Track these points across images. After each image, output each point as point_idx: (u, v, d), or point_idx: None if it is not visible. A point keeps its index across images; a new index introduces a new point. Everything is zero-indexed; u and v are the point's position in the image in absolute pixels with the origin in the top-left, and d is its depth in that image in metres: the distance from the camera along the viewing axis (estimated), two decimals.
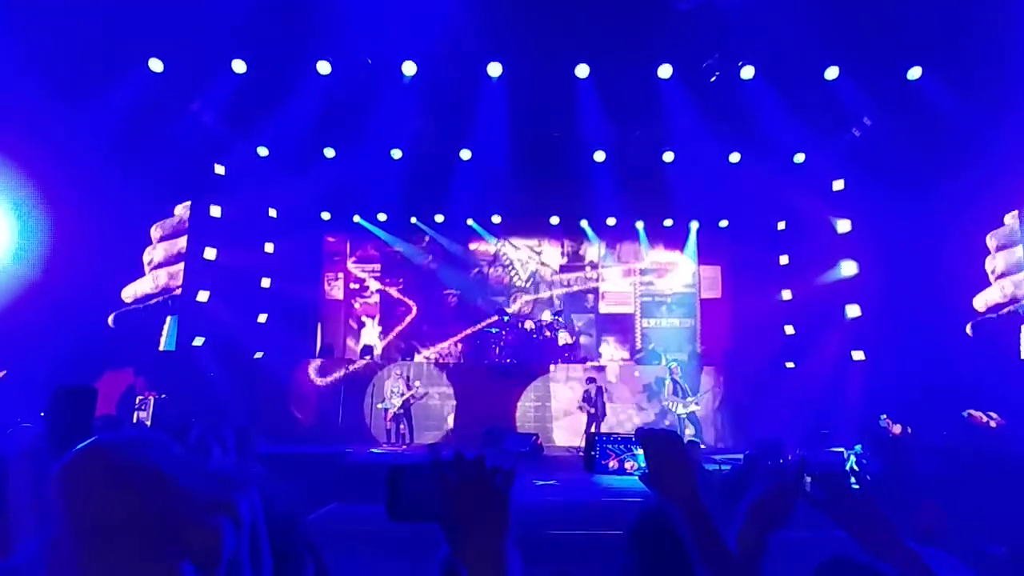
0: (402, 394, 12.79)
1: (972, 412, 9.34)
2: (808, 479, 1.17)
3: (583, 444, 9.21)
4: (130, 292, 12.27)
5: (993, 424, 9.08)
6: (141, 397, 10.68)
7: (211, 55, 10.66)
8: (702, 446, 10.13)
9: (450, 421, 13.24)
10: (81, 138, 10.53)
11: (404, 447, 12.28)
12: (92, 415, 0.97)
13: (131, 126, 10.63)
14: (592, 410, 12.49)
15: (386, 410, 12.86)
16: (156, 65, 10.76)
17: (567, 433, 13.10)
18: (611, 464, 1.19)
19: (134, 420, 10.07)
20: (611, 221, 14.94)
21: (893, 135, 11.38)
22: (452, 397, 13.43)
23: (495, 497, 0.92)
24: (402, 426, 12.77)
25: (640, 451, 1.15)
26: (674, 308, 15.51)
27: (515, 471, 0.94)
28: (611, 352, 15.35)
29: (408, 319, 14.45)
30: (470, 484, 0.92)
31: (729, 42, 10.46)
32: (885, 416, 9.21)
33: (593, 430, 11.83)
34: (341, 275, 15.77)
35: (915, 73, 10.56)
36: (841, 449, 9.42)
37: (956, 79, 10.21)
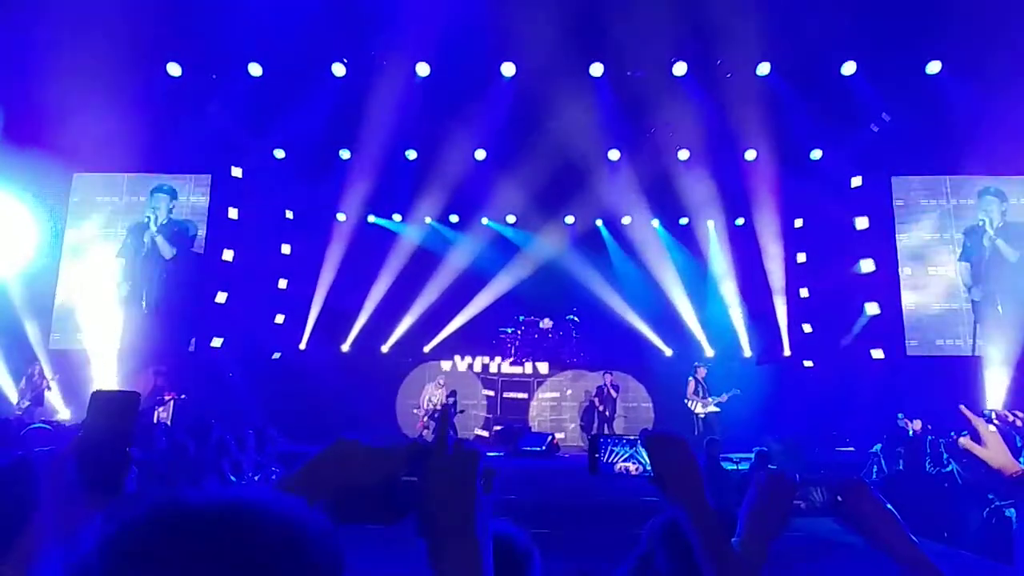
0: (441, 403, 12.25)
1: (996, 410, 9.20)
2: (816, 491, 1.17)
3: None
4: None
5: (1020, 423, 8.93)
6: (161, 397, 10.83)
7: (228, 59, 10.81)
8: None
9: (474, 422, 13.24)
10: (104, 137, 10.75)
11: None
12: (133, 422, 0.97)
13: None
14: (602, 407, 12.46)
15: (427, 411, 12.60)
16: (174, 69, 10.93)
17: (582, 432, 13.11)
18: (616, 467, 1.16)
19: (155, 420, 10.21)
20: (626, 220, 14.89)
21: (912, 130, 11.27)
22: (471, 397, 13.44)
23: (464, 482, 0.84)
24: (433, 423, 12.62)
25: (644, 453, 1.14)
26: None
27: (494, 471, 0.85)
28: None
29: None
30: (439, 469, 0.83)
31: (744, 38, 10.40)
32: (903, 415, 9.10)
33: (606, 431, 11.80)
34: None
35: (934, 67, 10.43)
36: (851, 448, 9.32)
37: (975, 73, 10.07)
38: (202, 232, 12.97)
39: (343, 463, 0.81)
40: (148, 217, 12.85)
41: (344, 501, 0.79)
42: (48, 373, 10.99)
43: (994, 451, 1.72)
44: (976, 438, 1.77)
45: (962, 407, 1.85)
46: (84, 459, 0.93)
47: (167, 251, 12.87)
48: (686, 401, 11.90)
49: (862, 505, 1.15)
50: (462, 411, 13.09)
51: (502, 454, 11.33)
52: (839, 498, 1.16)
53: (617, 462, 1.15)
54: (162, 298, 12.65)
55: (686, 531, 1.08)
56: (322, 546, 0.51)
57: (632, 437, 1.14)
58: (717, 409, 11.66)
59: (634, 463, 1.14)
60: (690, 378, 12.02)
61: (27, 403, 10.54)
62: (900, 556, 1.12)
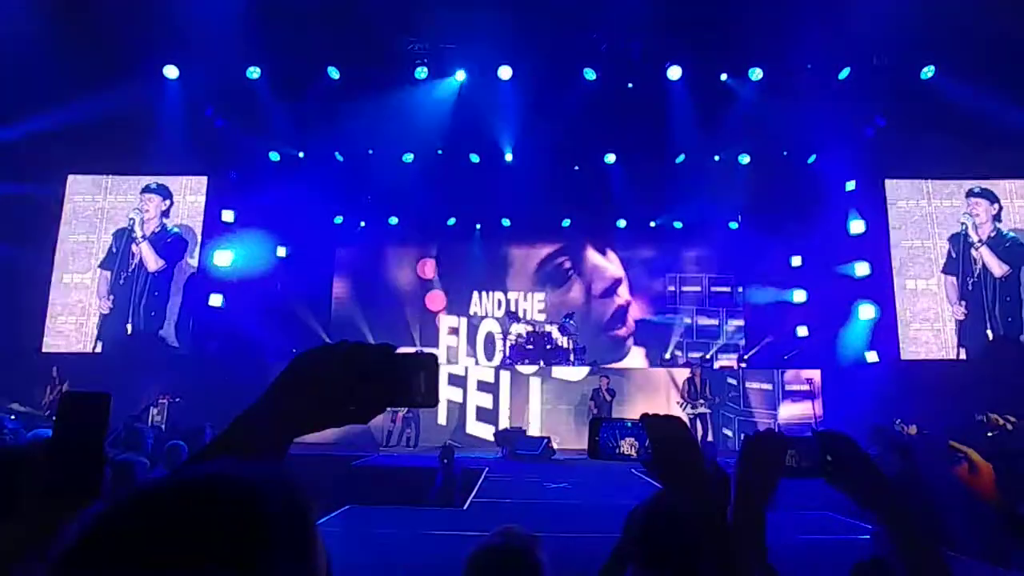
0: None
1: (990, 414, 9.23)
2: (806, 450, 1.15)
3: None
4: None
5: (1010, 427, 8.96)
6: (155, 399, 10.76)
7: (227, 61, 10.81)
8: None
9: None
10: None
11: (411, 449, 12.25)
12: (105, 424, 0.95)
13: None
14: (596, 411, 12.44)
15: (395, 411, 12.66)
16: (171, 72, 10.91)
17: (578, 435, 13.06)
18: (617, 449, 1.14)
19: (149, 422, 10.14)
20: (622, 223, 14.92)
21: (907, 134, 11.32)
22: (460, 399, 13.38)
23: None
24: (409, 429, 12.65)
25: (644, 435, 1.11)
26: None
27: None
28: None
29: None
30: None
31: (740, 43, 10.44)
32: (899, 421, 9.12)
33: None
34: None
35: (929, 71, 10.49)
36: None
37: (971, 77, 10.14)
38: (198, 239, 12.89)
39: (313, 377, 0.81)
40: (132, 220, 12.62)
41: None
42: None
43: (982, 480, 1.88)
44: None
45: (952, 443, 2.01)
46: (55, 462, 0.91)
47: (152, 263, 12.62)
48: (677, 402, 11.99)
49: (851, 464, 1.13)
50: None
51: (500, 456, 11.36)
52: (828, 457, 1.14)
53: (616, 444, 1.13)
54: (146, 321, 12.43)
55: (685, 513, 1.05)
56: (285, 501, 0.55)
57: (632, 420, 1.12)
58: (707, 410, 11.74)
59: (633, 445, 1.11)
60: (684, 380, 12.10)
61: (48, 413, 10.31)
62: (886, 516, 1.10)
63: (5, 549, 0.88)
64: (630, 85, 11.32)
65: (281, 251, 13.78)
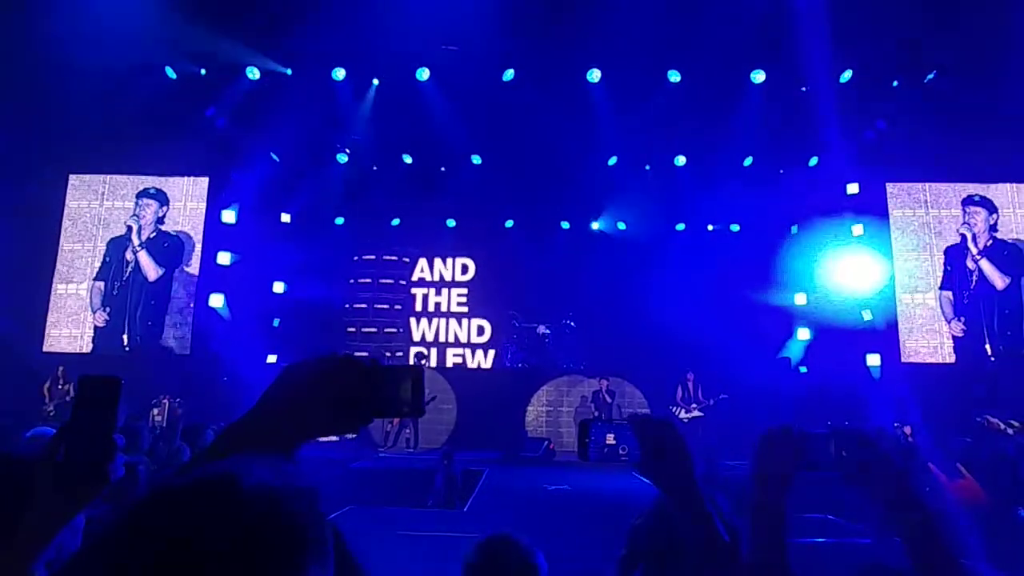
0: None
1: (989, 418, 9.22)
2: (823, 445, 1.13)
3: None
4: None
5: (1011, 432, 8.94)
6: (156, 400, 10.74)
7: (230, 62, 10.84)
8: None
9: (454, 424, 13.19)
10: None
11: (411, 450, 12.22)
12: (116, 407, 0.97)
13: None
14: (597, 413, 12.48)
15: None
16: (171, 72, 10.93)
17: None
18: (605, 449, 1.12)
19: (150, 423, 10.12)
20: (621, 225, 14.90)
21: (908, 137, 11.33)
22: (460, 400, 13.37)
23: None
24: (407, 430, 12.61)
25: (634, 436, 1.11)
26: None
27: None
28: None
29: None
30: None
31: (742, 45, 10.44)
32: (898, 424, 9.13)
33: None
34: None
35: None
36: None
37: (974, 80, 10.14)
38: (198, 241, 12.79)
39: (302, 389, 0.83)
40: (129, 227, 12.45)
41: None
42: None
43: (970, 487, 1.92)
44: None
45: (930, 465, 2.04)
46: (71, 447, 0.93)
47: (152, 272, 12.43)
48: (672, 408, 12.08)
49: (867, 460, 1.10)
50: (434, 398, 12.90)
51: (500, 458, 11.35)
52: (844, 453, 1.12)
53: (607, 447, 1.13)
54: (143, 331, 12.21)
55: (673, 515, 1.04)
56: (300, 502, 0.56)
57: (622, 421, 1.12)
58: (700, 414, 11.83)
59: (624, 447, 1.11)
60: (678, 385, 12.19)
61: (52, 411, 10.22)
62: (902, 516, 1.07)
63: (21, 553, 0.89)
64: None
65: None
